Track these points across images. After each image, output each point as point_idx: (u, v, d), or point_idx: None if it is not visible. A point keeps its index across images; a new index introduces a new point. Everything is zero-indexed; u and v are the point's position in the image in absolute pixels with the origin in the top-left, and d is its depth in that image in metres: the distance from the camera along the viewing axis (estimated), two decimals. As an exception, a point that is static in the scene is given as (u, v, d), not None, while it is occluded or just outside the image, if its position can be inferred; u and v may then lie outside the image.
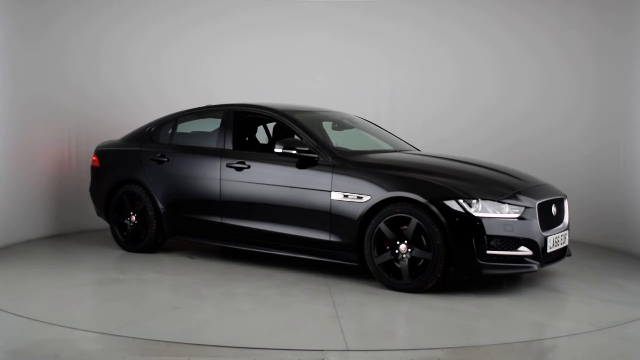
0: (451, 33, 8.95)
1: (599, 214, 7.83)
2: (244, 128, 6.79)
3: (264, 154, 6.28)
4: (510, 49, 8.73)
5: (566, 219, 5.97)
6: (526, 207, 5.38)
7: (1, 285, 5.60)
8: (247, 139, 6.98)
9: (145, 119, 7.48)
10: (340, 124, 7.00)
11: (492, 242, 5.21)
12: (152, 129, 7.11)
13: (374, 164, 5.80)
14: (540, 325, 4.62)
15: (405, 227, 5.37)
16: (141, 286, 5.63)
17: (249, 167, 6.21)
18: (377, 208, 5.51)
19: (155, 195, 6.76)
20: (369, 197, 5.54)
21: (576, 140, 8.21)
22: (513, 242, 5.28)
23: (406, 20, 9.04)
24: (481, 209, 5.23)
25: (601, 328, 4.55)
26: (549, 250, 5.49)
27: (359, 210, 5.57)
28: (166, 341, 4.08)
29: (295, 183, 5.93)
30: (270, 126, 7.26)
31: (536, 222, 5.39)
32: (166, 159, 6.76)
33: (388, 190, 5.48)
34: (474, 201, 5.24)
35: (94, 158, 7.36)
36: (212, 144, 6.58)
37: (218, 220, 6.38)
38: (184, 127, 7.02)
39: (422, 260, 5.31)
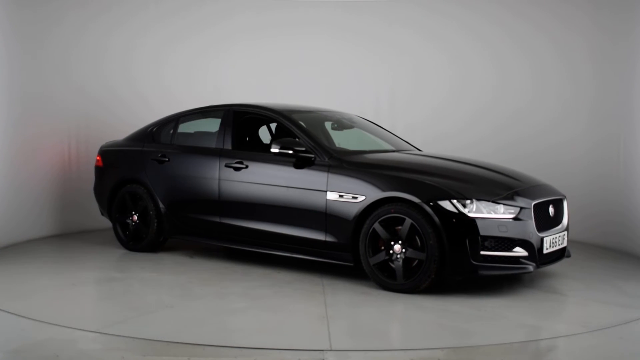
0: (449, 35, 8.95)
1: (598, 212, 7.75)
2: (243, 128, 6.79)
3: (262, 154, 6.27)
4: (506, 48, 8.71)
5: (565, 220, 5.90)
6: (522, 208, 5.32)
7: (1, 284, 5.63)
8: (247, 138, 6.99)
9: (150, 119, 7.51)
10: (340, 123, 6.99)
11: (486, 243, 5.16)
12: (154, 129, 7.14)
13: (370, 164, 5.77)
14: (530, 327, 4.56)
15: (399, 227, 5.34)
16: (137, 285, 5.65)
17: (247, 167, 6.21)
18: (372, 208, 5.47)
19: (156, 194, 6.78)
20: (363, 197, 5.52)
21: (575, 137, 8.15)
22: (508, 243, 5.23)
23: (405, 22, 9.05)
24: (475, 210, 5.18)
25: (592, 330, 4.49)
26: (545, 252, 5.43)
27: (354, 210, 5.55)
28: (166, 341, 4.07)
29: (292, 183, 5.92)
30: (274, 126, 7.27)
31: (532, 223, 5.32)
32: (167, 159, 6.78)
33: (383, 190, 5.45)
34: (468, 201, 5.19)
35: (98, 158, 7.41)
36: (212, 144, 6.59)
37: (217, 220, 6.39)
38: (184, 127, 7.04)
39: (417, 261, 5.28)
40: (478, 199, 5.22)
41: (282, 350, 3.95)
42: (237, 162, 6.27)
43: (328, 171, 5.75)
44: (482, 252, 5.15)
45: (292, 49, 9.13)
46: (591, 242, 7.77)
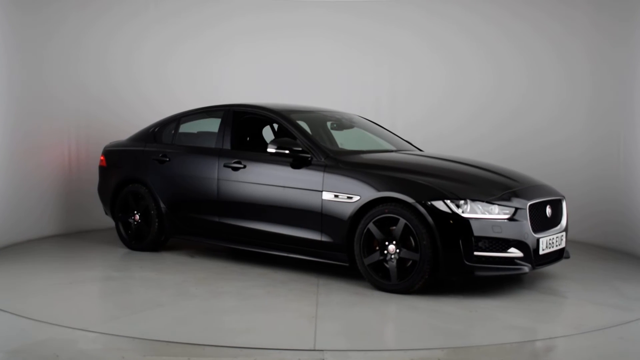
0: (447, 36, 8.95)
1: (598, 212, 7.68)
2: (243, 128, 6.80)
3: (260, 154, 6.24)
4: (504, 48, 8.69)
5: (564, 221, 5.83)
6: (517, 208, 5.25)
7: (0, 283, 5.66)
8: (248, 138, 7.00)
9: (151, 119, 7.55)
10: (340, 123, 6.97)
11: (480, 244, 5.10)
12: (156, 129, 7.17)
13: (365, 164, 5.74)
14: (519, 328, 4.49)
15: (394, 227, 5.30)
16: (133, 284, 5.68)
17: (245, 167, 6.22)
18: (366, 208, 5.44)
19: (157, 194, 6.80)
20: (358, 197, 5.49)
21: (574, 136, 8.10)
22: (502, 244, 5.17)
23: (404, 23, 9.05)
24: (469, 210, 5.12)
25: (583, 332, 4.42)
26: (541, 252, 5.36)
27: (348, 211, 5.52)
28: (166, 341, 4.07)
29: (289, 183, 5.91)
30: (277, 127, 7.27)
31: (527, 224, 5.27)
32: (167, 159, 6.81)
33: (378, 190, 5.42)
34: (462, 202, 5.14)
35: (102, 158, 7.45)
36: (212, 144, 6.61)
37: (216, 219, 6.40)
38: (185, 127, 7.07)
39: (411, 261, 5.24)
40: (472, 199, 5.17)
41: (281, 350, 3.93)
42: (235, 162, 6.28)
43: (324, 171, 5.73)
44: (476, 253, 5.09)
45: (292, 50, 9.14)
46: (591, 242, 7.69)
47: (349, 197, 5.54)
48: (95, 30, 8.29)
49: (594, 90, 7.90)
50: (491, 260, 5.14)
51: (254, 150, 6.47)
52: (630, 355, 4.19)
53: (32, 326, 4.38)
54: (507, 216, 5.21)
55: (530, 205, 5.36)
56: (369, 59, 9.18)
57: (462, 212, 5.12)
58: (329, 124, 6.95)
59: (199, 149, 6.71)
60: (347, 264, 5.63)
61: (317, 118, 6.95)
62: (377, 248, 5.38)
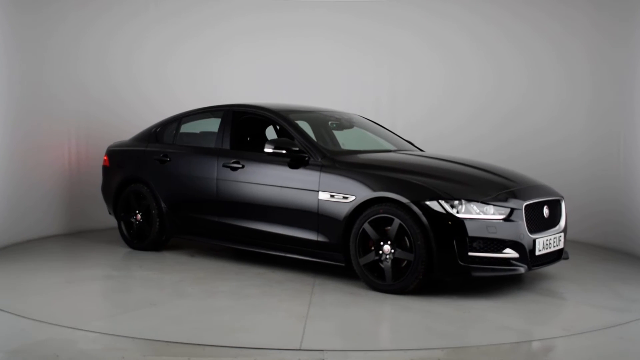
0: (447, 35, 8.93)
1: (598, 212, 7.62)
2: (243, 128, 6.81)
3: (258, 154, 6.22)
4: (504, 48, 8.67)
5: (562, 222, 5.78)
6: (512, 209, 5.21)
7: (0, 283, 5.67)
8: (248, 138, 7.01)
9: (152, 119, 7.59)
10: (340, 123, 6.97)
11: (474, 244, 5.05)
12: (158, 129, 7.21)
13: (361, 164, 5.72)
14: (510, 329, 4.44)
15: (389, 227, 5.28)
16: (130, 283, 5.69)
17: (243, 166, 6.23)
18: (362, 208, 5.42)
19: (158, 194, 6.83)
20: (353, 197, 5.48)
21: (573, 136, 8.05)
22: (498, 244, 5.12)
23: (403, 23, 9.04)
24: (464, 210, 5.09)
25: (574, 334, 4.38)
26: (537, 253, 5.31)
27: (344, 211, 5.50)
28: (166, 341, 4.06)
29: (286, 183, 5.90)
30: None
31: (523, 224, 5.22)
32: (168, 159, 6.84)
33: (373, 190, 5.40)
34: (456, 202, 5.11)
35: (105, 158, 7.49)
36: (212, 144, 6.64)
37: (215, 219, 6.42)
38: (186, 128, 7.09)
39: (406, 262, 5.22)
40: (467, 200, 5.13)
41: (282, 350, 3.92)
42: (234, 162, 6.29)
43: (320, 171, 5.73)
44: (470, 253, 5.04)
45: (292, 49, 9.14)
46: (591, 242, 7.64)
47: (344, 197, 5.53)
48: (95, 30, 8.29)
49: (594, 90, 7.85)
50: (486, 260, 5.10)
51: (255, 151, 6.49)
52: (630, 355, 4.16)
53: (32, 326, 4.38)
54: (502, 216, 5.17)
55: (527, 206, 5.31)
56: (369, 59, 9.17)
57: (457, 212, 5.08)
58: (330, 124, 6.95)
59: (198, 149, 6.73)
60: (343, 264, 5.61)
61: (318, 118, 6.95)
62: (373, 248, 5.36)
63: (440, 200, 5.12)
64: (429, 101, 8.97)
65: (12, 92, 7.14)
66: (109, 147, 7.57)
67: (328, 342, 4.13)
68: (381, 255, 5.30)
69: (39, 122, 7.66)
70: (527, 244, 5.22)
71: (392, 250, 5.25)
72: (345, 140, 7.02)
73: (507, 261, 5.17)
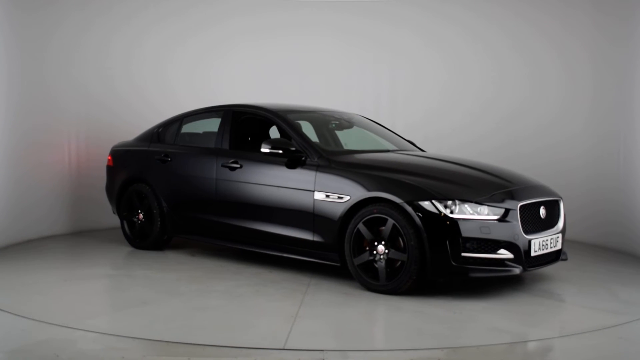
0: (448, 35, 8.90)
1: (599, 212, 7.55)
2: (244, 128, 6.82)
3: (256, 153, 6.20)
4: (504, 48, 8.63)
5: (561, 223, 5.71)
6: (507, 209, 5.17)
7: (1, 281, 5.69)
8: (249, 138, 7.01)
9: (153, 119, 7.63)
10: (339, 123, 6.96)
11: (468, 245, 5.01)
12: (160, 130, 7.24)
13: (356, 164, 5.69)
14: (497, 331, 4.37)
15: (383, 227, 5.25)
16: (126, 281, 5.71)
17: (241, 166, 6.24)
18: (356, 208, 5.40)
19: (160, 194, 6.85)
20: (348, 197, 5.46)
21: (574, 136, 7.98)
22: (492, 245, 5.07)
23: (404, 23, 9.02)
24: (457, 210, 5.05)
25: (564, 335, 4.33)
26: (533, 254, 5.25)
27: (339, 210, 5.47)
28: (166, 341, 4.05)
29: (282, 183, 5.89)
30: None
31: (518, 225, 5.18)
32: (169, 159, 6.87)
33: (368, 190, 5.37)
34: (450, 202, 5.07)
35: (109, 158, 7.54)
36: (212, 144, 6.66)
37: (214, 219, 6.43)
38: (187, 128, 7.12)
39: (400, 262, 5.19)
40: (461, 200, 5.09)
41: (282, 350, 3.91)
42: (232, 162, 6.29)
43: (316, 171, 5.72)
44: (464, 254, 4.99)
45: (292, 49, 9.13)
46: (592, 243, 7.57)
47: (339, 197, 5.51)
48: (95, 30, 8.29)
49: (594, 90, 7.79)
50: (480, 261, 5.05)
51: (255, 151, 6.50)
52: (630, 355, 4.12)
53: (32, 326, 4.37)
54: (496, 217, 5.12)
55: (522, 206, 5.25)
56: (369, 59, 9.15)
57: (450, 212, 5.04)
58: (332, 124, 6.95)
59: (198, 149, 6.75)
60: (338, 264, 5.59)
61: (319, 118, 6.95)
62: (367, 248, 5.33)
63: (433, 201, 5.08)
64: (429, 101, 8.94)
65: (12, 91, 7.14)
66: (113, 147, 7.61)
67: (313, 342, 4.09)
68: (375, 255, 5.27)
69: (38, 121, 7.64)
70: (522, 245, 5.16)
71: (386, 251, 5.22)
72: (348, 140, 7.01)
73: (501, 262, 5.12)
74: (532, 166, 7.63)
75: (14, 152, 7.18)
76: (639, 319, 4.73)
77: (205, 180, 6.48)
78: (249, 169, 6.17)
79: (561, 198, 5.81)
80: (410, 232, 5.07)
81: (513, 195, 5.32)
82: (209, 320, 4.56)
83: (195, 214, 6.61)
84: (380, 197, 5.28)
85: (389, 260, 5.21)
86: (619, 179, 7.28)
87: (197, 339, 4.09)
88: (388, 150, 6.53)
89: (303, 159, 5.84)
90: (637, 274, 6.26)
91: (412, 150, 6.73)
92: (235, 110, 6.66)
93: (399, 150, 6.64)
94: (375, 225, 5.30)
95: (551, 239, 5.48)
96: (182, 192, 6.72)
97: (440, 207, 5.06)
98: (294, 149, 5.87)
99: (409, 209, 5.11)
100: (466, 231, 5.01)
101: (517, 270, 5.14)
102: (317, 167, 5.71)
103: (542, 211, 5.48)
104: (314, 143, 6.06)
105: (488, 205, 5.12)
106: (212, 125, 6.91)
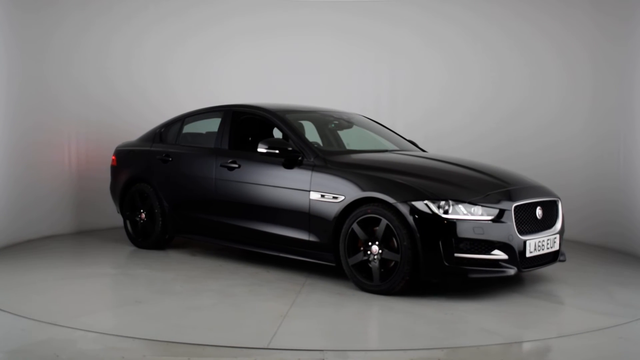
0: (448, 35, 8.86)
1: (599, 212, 7.47)
2: (244, 128, 6.82)
3: (254, 153, 6.18)
4: (504, 48, 8.59)
5: (559, 223, 5.64)
6: (501, 210, 5.12)
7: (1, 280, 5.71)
8: (250, 138, 7.02)
9: (153, 119, 7.68)
10: (339, 123, 6.94)
11: (461, 245, 4.97)
12: (162, 130, 7.27)
13: (352, 164, 5.65)
14: (486, 332, 4.31)
15: (377, 227, 5.22)
16: (123, 280, 5.73)
17: (239, 166, 6.25)
18: (351, 208, 5.37)
19: (161, 193, 6.87)
20: (343, 197, 5.44)
21: (574, 135, 7.91)
22: (485, 246, 5.01)
23: (404, 22, 8.98)
24: (451, 211, 5.00)
25: (561, 336, 4.28)
26: (528, 255, 5.19)
27: (334, 211, 5.44)
28: (166, 341, 4.05)
29: (279, 183, 5.87)
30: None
31: (512, 225, 5.12)
32: (170, 159, 6.90)
33: (362, 190, 5.35)
34: (443, 202, 5.03)
35: (113, 158, 7.60)
36: (212, 144, 6.68)
37: (213, 218, 6.43)
38: (189, 128, 7.14)
39: (393, 262, 5.15)
40: (454, 200, 5.05)
41: (282, 350, 3.90)
42: (231, 162, 6.30)
43: (312, 170, 5.71)
44: (457, 255, 4.95)
45: (292, 49, 9.11)
46: (592, 243, 7.49)
47: (334, 197, 5.49)
48: (95, 30, 8.30)
49: (594, 90, 7.71)
50: (473, 262, 5.00)
51: (254, 151, 6.50)
52: (630, 355, 4.09)
53: (32, 326, 4.37)
54: (490, 217, 5.07)
55: (516, 207, 5.20)
56: (370, 59, 9.12)
57: (443, 212, 5.00)
58: (331, 124, 6.94)
59: (198, 149, 6.77)
60: (333, 264, 5.57)
61: (319, 118, 6.94)
62: (362, 248, 5.31)
63: (426, 201, 5.04)
64: (429, 101, 8.89)
65: (12, 91, 7.15)
66: (117, 147, 7.65)
67: (298, 342, 4.07)
68: (369, 255, 5.25)
69: (38, 121, 7.65)
70: (516, 246, 5.10)
71: (380, 251, 5.19)
72: (349, 140, 6.99)
73: (495, 263, 5.06)
74: (532, 166, 7.58)
75: (13, 152, 7.20)
76: (639, 319, 4.67)
77: (204, 180, 6.50)
78: (247, 169, 6.18)
79: (559, 198, 5.74)
80: (404, 232, 5.03)
81: (508, 196, 5.27)
82: (199, 319, 4.54)
83: (195, 213, 6.62)
84: (374, 197, 5.26)
85: (383, 261, 5.18)
86: (619, 179, 7.20)
87: (186, 338, 4.08)
88: (386, 150, 6.50)
89: (300, 159, 5.83)
90: (636, 276, 6.16)
91: (412, 151, 6.69)
92: (235, 110, 6.67)
93: (399, 150, 6.60)
94: (369, 225, 5.26)
95: (548, 239, 5.41)
96: (183, 192, 6.74)
97: (434, 207, 5.02)
98: (290, 149, 5.87)
99: (402, 209, 5.07)
100: (459, 231, 4.97)
101: (511, 271, 5.09)
102: (313, 167, 5.70)
103: (539, 212, 5.42)
104: (311, 143, 6.04)
105: (482, 206, 5.07)
106: (215, 125, 6.92)
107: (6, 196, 7.08)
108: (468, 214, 5.02)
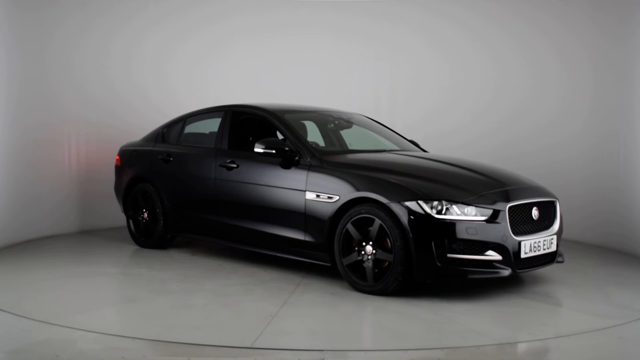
0: (448, 34, 8.82)
1: (599, 212, 7.39)
2: (243, 128, 6.83)
3: (251, 153, 6.15)
4: (505, 47, 8.54)
5: (556, 224, 5.58)
6: (495, 210, 5.07)
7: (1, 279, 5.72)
8: (250, 138, 7.03)
9: (153, 119, 7.72)
10: (338, 123, 6.92)
11: (454, 246, 4.93)
12: (165, 130, 7.31)
13: (347, 164, 5.62)
14: (474, 333, 4.25)
15: (371, 227, 5.20)
16: (121, 279, 5.75)
17: (238, 166, 6.26)
18: (345, 208, 5.34)
19: (163, 193, 6.90)
20: (337, 197, 5.42)
21: (574, 135, 7.85)
22: (479, 246, 4.97)
23: (404, 22, 8.95)
24: (444, 211, 4.97)
25: (547, 338, 4.23)
26: (523, 256, 5.14)
27: (329, 210, 5.42)
28: (166, 341, 4.05)
29: (276, 182, 5.86)
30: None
31: (507, 226, 5.07)
32: (171, 159, 6.93)
33: (357, 190, 5.32)
34: (436, 202, 4.99)
35: (117, 157, 7.65)
36: (212, 144, 6.70)
37: (213, 218, 6.44)
38: (190, 128, 7.17)
39: (387, 262, 5.12)
40: (448, 200, 5.01)
41: (282, 350, 3.90)
42: (229, 162, 6.31)
43: (308, 170, 5.70)
44: (450, 255, 4.90)
45: (292, 49, 9.10)
46: (591, 243, 7.42)
47: (329, 197, 5.48)
48: (95, 30, 8.30)
49: (594, 90, 7.64)
50: (466, 263, 4.95)
51: (252, 151, 6.50)
52: (629, 355, 4.05)
53: (32, 326, 4.37)
54: (484, 218, 5.02)
55: (511, 207, 5.14)
56: (370, 58, 9.09)
57: (436, 213, 4.97)
58: (331, 124, 6.93)
59: (198, 149, 6.79)
60: (329, 264, 5.56)
61: (320, 118, 6.93)
62: (356, 248, 5.29)
63: (419, 201, 5.00)
64: (429, 100, 8.85)
65: (12, 91, 7.16)
66: (121, 147, 7.69)
67: (283, 342, 4.05)
68: (363, 255, 5.23)
69: (38, 121, 7.65)
70: (511, 247, 5.05)
71: (374, 251, 5.16)
72: (351, 140, 6.98)
73: (489, 263, 5.01)
74: (531, 166, 7.52)
75: (13, 151, 7.23)
76: (638, 319, 4.63)
77: (204, 180, 6.51)
78: (246, 169, 6.18)
79: (557, 199, 5.67)
80: (397, 232, 5.00)
81: (504, 196, 5.21)
82: (189, 318, 4.53)
83: (195, 213, 6.64)
84: (368, 197, 5.23)
85: (377, 261, 5.15)
86: (619, 179, 7.12)
87: (173, 337, 4.09)
88: (384, 150, 6.47)
89: (296, 158, 5.82)
90: (636, 276, 6.08)
91: (412, 150, 6.66)
92: (235, 111, 6.68)
93: (399, 150, 6.57)
94: (364, 225, 5.23)
95: (544, 240, 5.35)
96: (183, 191, 6.76)
97: (426, 207, 4.98)
98: (287, 149, 5.86)
99: (395, 209, 5.04)
100: (452, 232, 4.92)
101: (505, 272, 5.03)
102: (309, 167, 5.69)
103: (535, 212, 5.36)
104: (308, 143, 6.04)
105: (476, 206, 5.03)
106: (216, 125, 6.93)
107: (6, 195, 7.11)
108: (461, 215, 4.98)
